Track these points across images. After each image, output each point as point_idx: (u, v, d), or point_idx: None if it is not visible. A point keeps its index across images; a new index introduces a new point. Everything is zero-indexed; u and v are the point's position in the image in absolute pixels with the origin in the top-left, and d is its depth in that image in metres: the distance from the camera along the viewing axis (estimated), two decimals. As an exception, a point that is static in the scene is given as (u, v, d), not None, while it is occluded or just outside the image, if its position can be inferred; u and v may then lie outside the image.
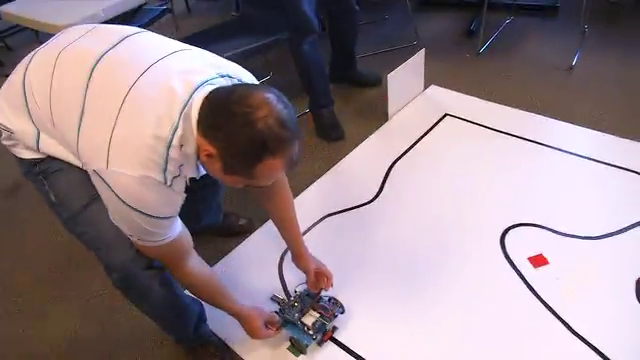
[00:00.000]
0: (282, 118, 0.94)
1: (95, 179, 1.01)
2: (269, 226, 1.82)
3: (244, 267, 1.73)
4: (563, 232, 1.67)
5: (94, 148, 0.98)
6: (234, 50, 2.11)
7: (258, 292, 1.60)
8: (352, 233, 1.80)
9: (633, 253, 1.57)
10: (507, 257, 1.62)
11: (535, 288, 1.51)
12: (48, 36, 1.24)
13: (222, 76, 1.05)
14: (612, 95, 2.31)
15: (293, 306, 1.47)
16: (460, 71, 2.64)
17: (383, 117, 2.35)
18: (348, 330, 1.49)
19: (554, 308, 1.45)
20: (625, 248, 1.59)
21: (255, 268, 1.71)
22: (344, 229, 1.82)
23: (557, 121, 2.17)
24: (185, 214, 1.74)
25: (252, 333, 1.40)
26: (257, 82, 1.18)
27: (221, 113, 0.95)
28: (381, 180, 1.99)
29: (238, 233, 1.87)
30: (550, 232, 1.68)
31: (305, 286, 1.53)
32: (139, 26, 2.54)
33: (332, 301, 1.50)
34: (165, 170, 0.98)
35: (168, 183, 1.00)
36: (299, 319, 1.44)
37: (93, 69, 1.02)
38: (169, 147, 0.97)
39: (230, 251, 1.81)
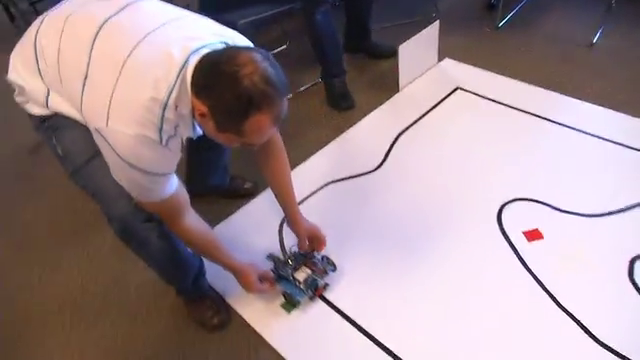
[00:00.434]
0: (267, 75, 0.98)
1: (97, 136, 1.07)
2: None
3: (246, 228, 1.80)
4: (562, 209, 1.68)
5: (96, 108, 1.04)
6: (250, 17, 2.14)
7: (258, 252, 1.66)
8: (353, 200, 1.84)
9: (631, 233, 1.58)
10: (502, 229, 1.64)
11: (526, 261, 1.54)
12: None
13: (220, 42, 1.09)
14: (630, 74, 2.26)
15: (287, 263, 1.54)
16: (477, 45, 2.61)
17: (395, 88, 2.35)
18: (340, 291, 1.55)
19: (543, 281, 1.48)
20: (623, 228, 1.59)
21: (257, 229, 1.78)
22: (345, 196, 1.86)
23: (568, 97, 2.14)
24: (192, 175, 1.85)
25: (246, 287, 1.47)
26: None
27: (211, 73, 1.00)
28: (386, 150, 2.02)
29: (243, 196, 1.93)
30: (549, 208, 1.69)
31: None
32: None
33: (325, 259, 1.57)
34: (161, 130, 1.04)
35: (164, 142, 1.05)
36: (292, 275, 1.50)
37: (97, 34, 1.08)
38: (165, 108, 1.02)
39: (234, 212, 1.88)
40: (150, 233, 1.27)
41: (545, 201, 1.71)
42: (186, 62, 1.02)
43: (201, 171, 1.83)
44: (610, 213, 1.64)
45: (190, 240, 1.32)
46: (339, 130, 2.19)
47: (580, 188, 1.74)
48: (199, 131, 1.18)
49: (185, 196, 1.25)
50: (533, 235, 1.61)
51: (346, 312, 1.49)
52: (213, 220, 1.84)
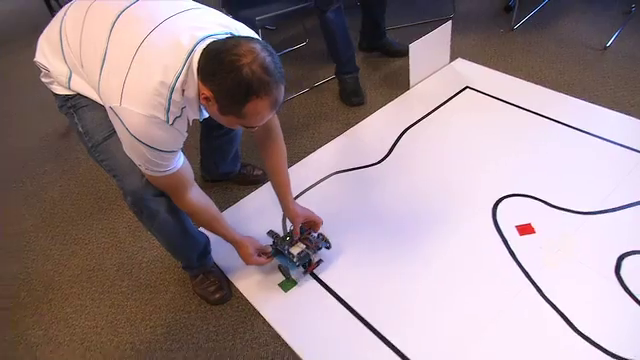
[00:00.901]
0: (265, 64, 1.07)
1: (111, 114, 1.18)
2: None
3: (255, 211, 1.91)
4: (556, 205, 1.72)
5: (111, 88, 1.16)
6: (267, 14, 2.25)
7: (264, 231, 1.74)
8: (355, 190, 1.93)
9: (622, 231, 1.61)
10: (496, 223, 1.70)
11: (516, 254, 1.59)
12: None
13: (225, 33, 1.19)
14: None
15: (284, 239, 1.64)
16: (491, 46, 2.65)
17: (406, 87, 2.42)
18: (337, 275, 1.64)
19: (530, 273, 1.53)
20: (615, 226, 1.63)
21: (264, 212, 1.88)
22: (348, 186, 1.95)
23: (574, 99, 2.17)
24: (205, 163, 1.96)
25: (245, 258, 1.58)
26: (258, 38, 1.30)
27: (214, 61, 1.09)
28: (391, 144, 2.10)
29: (253, 182, 2.04)
30: (544, 204, 1.73)
31: None
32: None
33: (319, 236, 1.66)
34: (168, 111, 1.14)
35: (170, 122, 1.16)
36: (287, 250, 1.60)
37: (114, 22, 1.19)
38: (172, 91, 1.13)
39: (245, 197, 1.99)
40: (159, 207, 1.38)
41: (541, 198, 1.75)
42: (193, 50, 1.12)
43: (213, 159, 1.95)
44: (603, 211, 1.67)
45: (194, 213, 1.42)
46: (349, 124, 2.28)
47: (577, 187, 1.77)
48: (205, 114, 1.29)
49: (190, 173, 1.35)
50: (525, 229, 1.66)
51: (338, 293, 1.58)
52: (225, 203, 1.97)
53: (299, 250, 1.59)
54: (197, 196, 1.39)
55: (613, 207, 1.68)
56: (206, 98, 1.14)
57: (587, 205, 1.71)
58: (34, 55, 1.36)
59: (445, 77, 2.45)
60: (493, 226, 1.69)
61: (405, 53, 2.42)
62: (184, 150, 1.30)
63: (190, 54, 1.12)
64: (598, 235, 1.61)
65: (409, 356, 1.39)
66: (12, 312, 1.74)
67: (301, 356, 1.44)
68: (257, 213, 1.89)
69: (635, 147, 1.89)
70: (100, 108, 1.29)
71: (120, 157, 1.27)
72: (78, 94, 1.34)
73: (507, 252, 1.60)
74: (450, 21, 2.40)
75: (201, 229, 1.61)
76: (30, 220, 2.11)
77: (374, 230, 1.76)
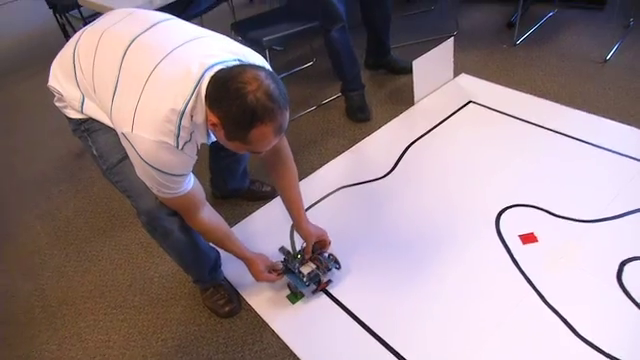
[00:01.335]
0: (269, 91, 1.11)
1: (123, 140, 1.23)
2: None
3: (263, 226, 1.96)
4: (559, 214, 1.75)
5: (123, 115, 1.20)
6: (274, 35, 2.32)
7: (272, 247, 1.79)
8: (362, 204, 1.97)
9: (623, 238, 1.63)
10: (499, 233, 1.72)
11: (519, 262, 1.62)
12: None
13: (234, 60, 1.23)
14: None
15: (295, 257, 1.68)
16: (494, 61, 2.70)
17: (410, 102, 2.48)
18: (344, 288, 1.67)
19: (532, 281, 1.55)
20: (616, 233, 1.65)
21: (272, 228, 1.92)
22: (355, 200, 1.99)
23: (575, 110, 2.21)
24: (215, 180, 2.02)
25: (255, 275, 1.62)
26: (267, 65, 1.32)
27: (221, 88, 1.13)
28: (396, 159, 2.14)
29: (262, 198, 2.09)
30: (546, 214, 1.76)
31: None
32: (196, 13, 2.80)
33: (330, 257, 1.69)
34: (178, 136, 1.18)
35: (180, 147, 1.20)
36: (298, 268, 1.64)
37: (126, 50, 1.24)
38: (181, 117, 1.16)
39: (253, 212, 2.04)
40: (173, 225, 1.42)
41: (544, 207, 1.78)
42: (201, 77, 1.16)
43: (222, 176, 2.00)
44: (604, 219, 1.70)
45: (205, 232, 1.47)
46: (355, 140, 2.33)
47: (579, 196, 1.80)
48: (212, 138, 1.32)
49: (201, 194, 1.39)
50: (528, 238, 1.69)
51: (346, 305, 1.61)
52: (235, 219, 2.02)
53: (309, 270, 1.63)
54: (209, 215, 1.43)
55: (614, 215, 1.71)
56: (213, 124, 1.17)
57: (589, 213, 1.73)
58: (47, 81, 1.41)
59: (449, 92, 2.50)
60: (497, 236, 1.72)
61: (410, 70, 2.48)
62: (195, 170, 1.33)
63: (199, 82, 1.16)
64: (600, 242, 1.63)
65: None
66: (27, 328, 1.79)
67: (309, 366, 1.47)
68: (266, 228, 1.94)
69: (635, 156, 1.91)
70: (113, 131, 1.33)
71: (134, 178, 1.31)
72: (91, 118, 1.39)
73: (510, 261, 1.63)
74: (452, 37, 2.46)
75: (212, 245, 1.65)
76: (45, 238, 2.17)
77: (380, 242, 1.79)
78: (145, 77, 1.18)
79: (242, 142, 1.18)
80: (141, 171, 1.26)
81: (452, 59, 2.52)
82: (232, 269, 1.73)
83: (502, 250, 1.67)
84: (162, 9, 2.02)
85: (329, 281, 1.68)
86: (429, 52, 2.36)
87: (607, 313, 1.44)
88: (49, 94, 1.44)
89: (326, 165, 2.20)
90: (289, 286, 1.67)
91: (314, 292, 1.65)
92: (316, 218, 1.71)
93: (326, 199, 2.02)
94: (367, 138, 2.32)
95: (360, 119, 2.43)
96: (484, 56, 2.76)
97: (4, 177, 2.64)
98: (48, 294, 1.90)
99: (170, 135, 1.17)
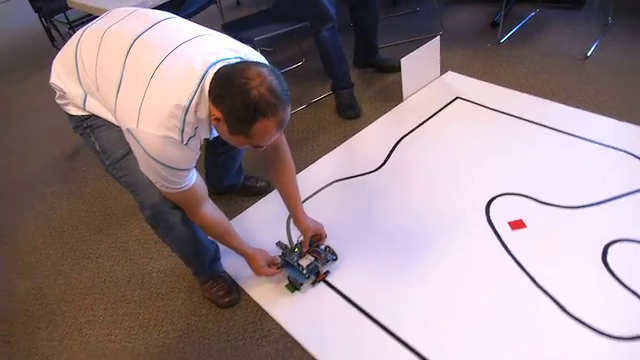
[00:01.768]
0: (272, 87, 1.15)
1: (128, 136, 1.26)
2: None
3: (259, 221, 1.99)
4: (545, 201, 1.82)
5: (128, 111, 1.23)
6: (265, 35, 2.38)
7: (268, 241, 1.84)
8: (355, 196, 2.02)
9: (607, 222, 1.70)
10: (489, 220, 1.79)
11: (509, 247, 1.68)
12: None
13: (235, 57, 1.27)
14: (620, 83, 2.39)
15: (293, 251, 1.73)
16: (479, 59, 2.78)
17: (399, 99, 2.54)
18: (341, 276, 1.71)
19: (523, 264, 1.62)
20: (601, 218, 1.72)
21: (268, 222, 1.96)
22: (348, 193, 2.04)
23: (558, 104, 2.29)
24: (210, 177, 2.06)
25: (255, 270, 1.66)
26: (266, 62, 1.36)
27: (225, 84, 1.17)
28: (387, 153, 2.20)
29: (256, 193, 2.13)
30: (533, 201, 1.83)
31: None
32: (185, 14, 2.84)
33: (327, 249, 1.74)
34: (182, 131, 1.21)
35: (185, 142, 1.23)
36: (297, 261, 1.68)
37: (130, 48, 1.27)
38: (186, 113, 1.20)
39: (249, 207, 2.08)
40: (175, 219, 1.45)
41: (531, 195, 1.85)
42: (205, 74, 1.20)
43: (218, 173, 2.04)
44: (589, 205, 1.77)
45: (207, 226, 1.50)
46: (346, 136, 2.38)
47: (564, 184, 1.87)
48: (215, 133, 1.35)
49: (204, 189, 1.43)
50: (517, 225, 1.75)
51: (343, 291, 1.65)
52: (230, 214, 2.05)
53: (308, 262, 1.67)
54: (211, 210, 1.47)
55: (598, 201, 1.78)
56: (217, 119, 1.21)
57: (574, 200, 1.80)
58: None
59: (436, 89, 2.57)
60: (487, 223, 1.78)
61: (398, 68, 2.54)
62: (196, 166, 1.37)
63: (202, 78, 1.20)
64: (585, 227, 1.70)
65: (411, 343, 1.47)
66: (26, 325, 1.80)
67: (310, 351, 1.51)
68: (261, 223, 1.98)
69: (615, 146, 2.00)
70: (115, 127, 1.36)
71: (138, 173, 1.33)
72: (93, 115, 1.41)
73: (501, 246, 1.69)
74: (438, 36, 2.53)
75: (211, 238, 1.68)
76: (40, 238, 2.18)
77: (374, 232, 1.84)
78: (149, 74, 1.21)
79: (245, 136, 1.21)
80: (145, 166, 1.28)
81: (439, 57, 2.59)
82: (231, 262, 1.77)
83: (492, 236, 1.73)
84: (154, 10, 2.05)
85: (327, 272, 1.72)
86: (416, 50, 2.43)
87: (594, 292, 1.50)
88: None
89: (318, 160, 2.25)
90: (289, 279, 1.71)
91: (314, 284, 1.69)
92: (311, 211, 1.75)
93: (320, 193, 2.06)
94: (358, 134, 2.37)
95: (350, 116, 2.49)
96: (469, 55, 2.84)
97: (-4, 179, 2.65)
98: (46, 292, 1.91)
99: (175, 130, 1.20)
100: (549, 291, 1.52)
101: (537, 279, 1.56)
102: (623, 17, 2.89)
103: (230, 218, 2.02)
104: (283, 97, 1.18)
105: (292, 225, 1.91)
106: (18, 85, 3.60)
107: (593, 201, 1.78)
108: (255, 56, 1.35)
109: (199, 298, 1.76)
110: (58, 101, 1.47)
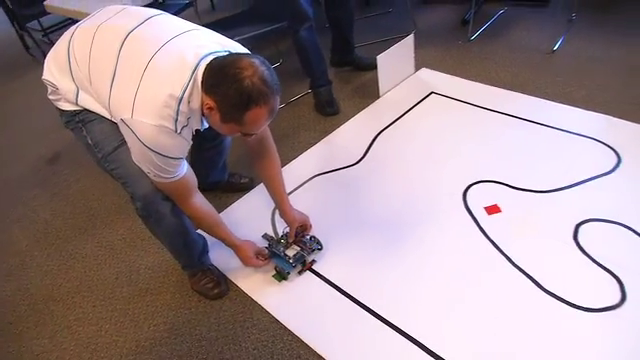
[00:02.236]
0: (264, 77, 1.21)
1: (122, 126, 1.30)
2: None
3: (244, 215, 2.04)
4: (518, 187, 1.91)
5: (122, 102, 1.27)
6: (243, 35, 2.42)
7: (254, 234, 1.89)
8: (337, 189, 2.08)
9: (576, 204, 1.80)
10: (466, 206, 1.87)
11: (485, 230, 1.76)
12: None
13: (224, 50, 1.32)
14: (585, 75, 2.51)
15: (279, 242, 1.78)
16: (451, 56, 2.88)
17: (376, 96, 2.62)
18: (327, 264, 1.77)
19: (499, 245, 1.70)
20: (571, 200, 1.82)
21: (253, 216, 2.01)
22: (330, 186, 2.10)
23: (527, 96, 2.40)
24: (196, 173, 2.08)
25: (244, 260, 1.71)
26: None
27: (218, 74, 1.23)
28: (366, 147, 2.27)
29: (241, 189, 2.18)
30: (508, 187, 1.92)
31: None
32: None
33: (312, 239, 1.79)
34: (176, 121, 1.26)
35: (178, 131, 1.28)
36: (283, 252, 1.73)
37: (123, 42, 1.31)
38: (180, 103, 1.25)
39: (233, 203, 2.12)
40: (166, 209, 1.49)
41: (504, 182, 1.94)
42: (197, 65, 1.25)
43: (204, 169, 2.07)
44: (559, 189, 1.87)
45: (198, 217, 1.54)
46: (326, 132, 2.44)
47: (535, 170, 1.97)
48: (206, 124, 1.40)
49: (194, 180, 1.48)
50: (492, 209, 1.83)
51: (329, 278, 1.71)
52: (216, 210, 2.08)
53: (294, 252, 1.73)
54: (200, 202, 1.52)
55: (567, 185, 1.88)
56: (210, 108, 1.26)
57: (545, 185, 1.89)
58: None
59: (411, 85, 2.65)
60: (464, 209, 1.86)
61: (374, 66, 2.61)
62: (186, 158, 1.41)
63: (195, 69, 1.25)
64: (557, 209, 1.79)
65: (395, 322, 1.54)
66: (14, 325, 1.81)
67: (299, 336, 1.56)
68: (246, 217, 2.02)
69: (583, 133, 2.10)
70: (107, 121, 1.40)
71: (130, 165, 1.38)
72: (85, 109, 1.44)
73: (478, 230, 1.77)
74: (412, 34, 2.62)
75: (199, 231, 1.72)
76: (24, 241, 2.18)
77: (357, 222, 1.90)
78: (143, 67, 1.25)
79: (237, 123, 1.27)
80: (139, 156, 1.32)
81: (413, 54, 2.68)
82: (218, 254, 1.81)
83: (470, 221, 1.81)
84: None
85: (313, 261, 1.77)
86: (392, 48, 2.51)
87: (567, 268, 1.59)
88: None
89: (300, 156, 2.30)
90: (276, 269, 1.75)
91: (300, 272, 1.75)
92: (295, 204, 1.80)
93: (302, 187, 2.12)
94: (337, 130, 2.44)
95: (329, 113, 2.55)
96: (442, 52, 2.94)
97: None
98: (33, 292, 1.92)
99: (169, 119, 1.25)
100: (525, 269, 1.61)
101: (513, 259, 1.65)
102: (586, 13, 3.03)
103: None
104: (274, 86, 1.24)
105: (277, 218, 1.96)
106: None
107: (563, 185, 1.88)
108: (241, 50, 1.40)
109: (188, 291, 1.79)
110: (50, 97, 1.49)
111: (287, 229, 1.82)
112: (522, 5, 3.28)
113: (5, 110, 3.21)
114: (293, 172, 2.21)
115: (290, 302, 1.66)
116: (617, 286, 1.51)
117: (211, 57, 1.27)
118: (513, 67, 2.67)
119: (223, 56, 1.27)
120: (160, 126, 1.24)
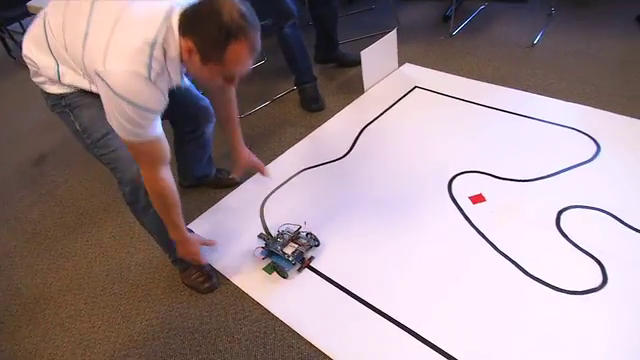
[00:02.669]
0: (242, 12, 1.19)
1: (97, 81, 1.25)
2: (253, 179, 2.17)
3: (233, 211, 2.06)
4: (502, 177, 1.95)
5: (95, 54, 1.23)
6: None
7: (243, 230, 1.92)
8: (325, 182, 2.11)
9: (559, 192, 1.85)
10: (452, 196, 1.91)
11: (471, 219, 1.80)
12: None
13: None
14: (564, 67, 2.57)
15: (276, 240, 1.79)
16: (433, 51, 2.93)
17: (360, 91, 2.65)
18: (323, 261, 1.79)
19: (484, 233, 1.74)
20: (552, 188, 1.87)
21: (241, 212, 2.03)
22: (319, 179, 2.13)
23: (509, 89, 2.45)
24: (181, 168, 2.10)
25: (191, 255, 1.67)
26: None
27: (195, 14, 1.21)
28: (353, 140, 2.30)
29: (228, 185, 2.19)
30: (491, 177, 1.96)
31: (286, 226, 1.85)
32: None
33: (309, 235, 1.81)
34: (150, 67, 1.22)
35: (152, 79, 1.22)
36: (281, 250, 1.75)
37: (93, 3, 1.27)
38: (153, 48, 1.22)
39: (221, 199, 2.14)
40: None
41: (488, 172, 1.99)
42: (171, 10, 1.23)
43: (188, 163, 2.09)
44: (540, 178, 1.92)
45: (159, 192, 1.44)
46: (312, 127, 2.47)
47: (518, 160, 2.02)
48: (186, 80, 1.39)
49: (167, 149, 1.40)
50: (477, 199, 1.88)
51: (317, 269, 1.74)
52: (203, 205, 2.11)
53: (292, 250, 1.74)
54: (168, 177, 1.44)
55: (549, 174, 1.93)
56: (188, 50, 1.23)
57: (527, 174, 1.94)
58: None
59: (395, 80, 2.69)
60: (450, 199, 1.90)
61: (358, 62, 2.64)
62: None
63: (169, 14, 1.23)
64: (538, 197, 1.84)
65: (385, 310, 1.57)
66: (6, 325, 1.81)
67: (291, 326, 1.59)
68: (235, 213, 2.04)
69: (563, 124, 2.16)
70: (96, 105, 1.35)
71: (119, 150, 1.39)
72: (72, 93, 1.42)
73: (464, 219, 1.81)
74: (395, 30, 2.66)
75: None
76: (13, 242, 2.18)
77: (345, 213, 1.93)
78: (115, 18, 1.23)
79: (217, 62, 1.23)
80: (112, 109, 1.25)
81: (396, 50, 2.72)
82: (208, 248, 1.82)
83: (455, 210, 1.85)
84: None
85: (312, 258, 1.79)
86: (375, 43, 2.55)
87: (550, 253, 1.64)
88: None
89: (287, 151, 2.33)
90: (275, 268, 1.76)
91: (300, 270, 1.76)
92: (283, 198, 1.84)
93: (290, 181, 2.14)
94: (323, 125, 2.47)
95: (315, 109, 2.58)
96: (424, 47, 2.98)
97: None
98: (24, 291, 1.92)
99: (142, 65, 1.21)
100: (510, 255, 1.65)
101: (498, 245, 1.69)
102: (565, 7, 3.09)
103: (204, 209, 2.09)
104: (253, 22, 1.22)
105: (266, 213, 1.98)
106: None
107: (545, 174, 1.93)
108: None
109: (179, 286, 1.81)
110: (34, 79, 1.46)
111: (281, 228, 1.84)
112: (502, 0, 3.34)
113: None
114: (281, 166, 2.23)
115: (280, 293, 1.69)
116: (598, 269, 1.56)
117: (185, 5, 1.25)
118: (494, 61, 2.72)
119: (197, 2, 1.24)
120: (132, 72, 1.20)
